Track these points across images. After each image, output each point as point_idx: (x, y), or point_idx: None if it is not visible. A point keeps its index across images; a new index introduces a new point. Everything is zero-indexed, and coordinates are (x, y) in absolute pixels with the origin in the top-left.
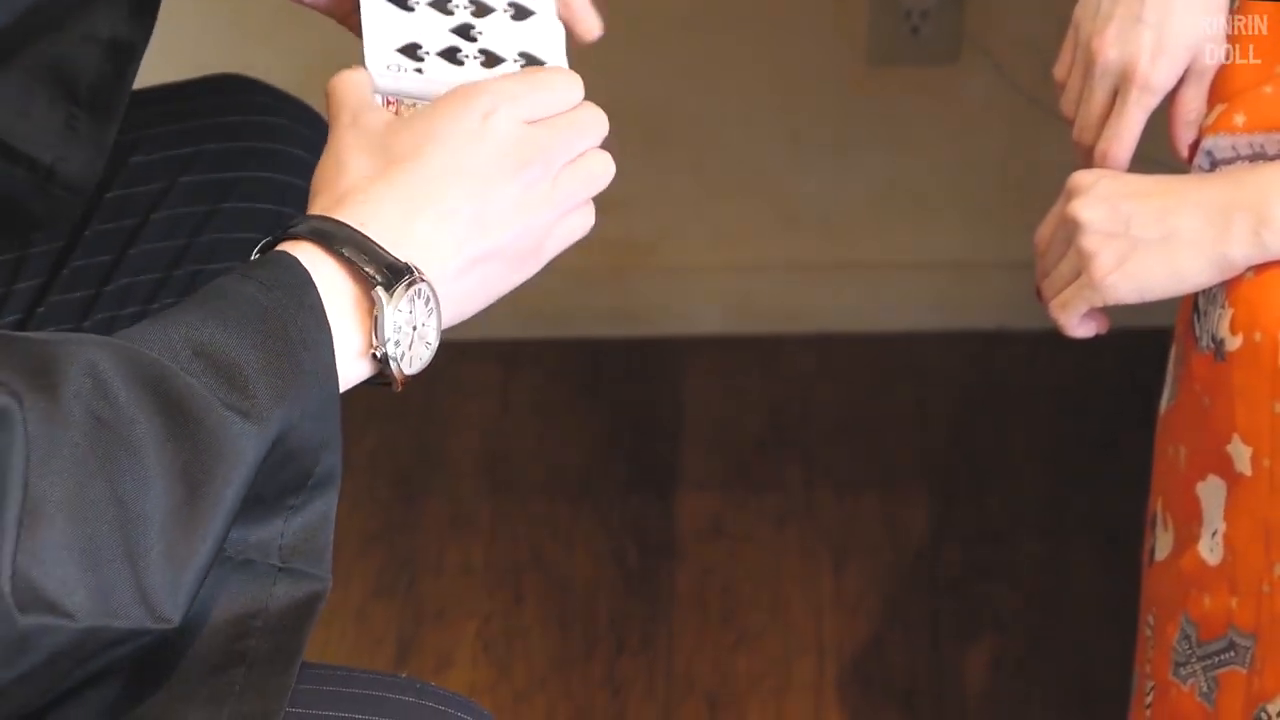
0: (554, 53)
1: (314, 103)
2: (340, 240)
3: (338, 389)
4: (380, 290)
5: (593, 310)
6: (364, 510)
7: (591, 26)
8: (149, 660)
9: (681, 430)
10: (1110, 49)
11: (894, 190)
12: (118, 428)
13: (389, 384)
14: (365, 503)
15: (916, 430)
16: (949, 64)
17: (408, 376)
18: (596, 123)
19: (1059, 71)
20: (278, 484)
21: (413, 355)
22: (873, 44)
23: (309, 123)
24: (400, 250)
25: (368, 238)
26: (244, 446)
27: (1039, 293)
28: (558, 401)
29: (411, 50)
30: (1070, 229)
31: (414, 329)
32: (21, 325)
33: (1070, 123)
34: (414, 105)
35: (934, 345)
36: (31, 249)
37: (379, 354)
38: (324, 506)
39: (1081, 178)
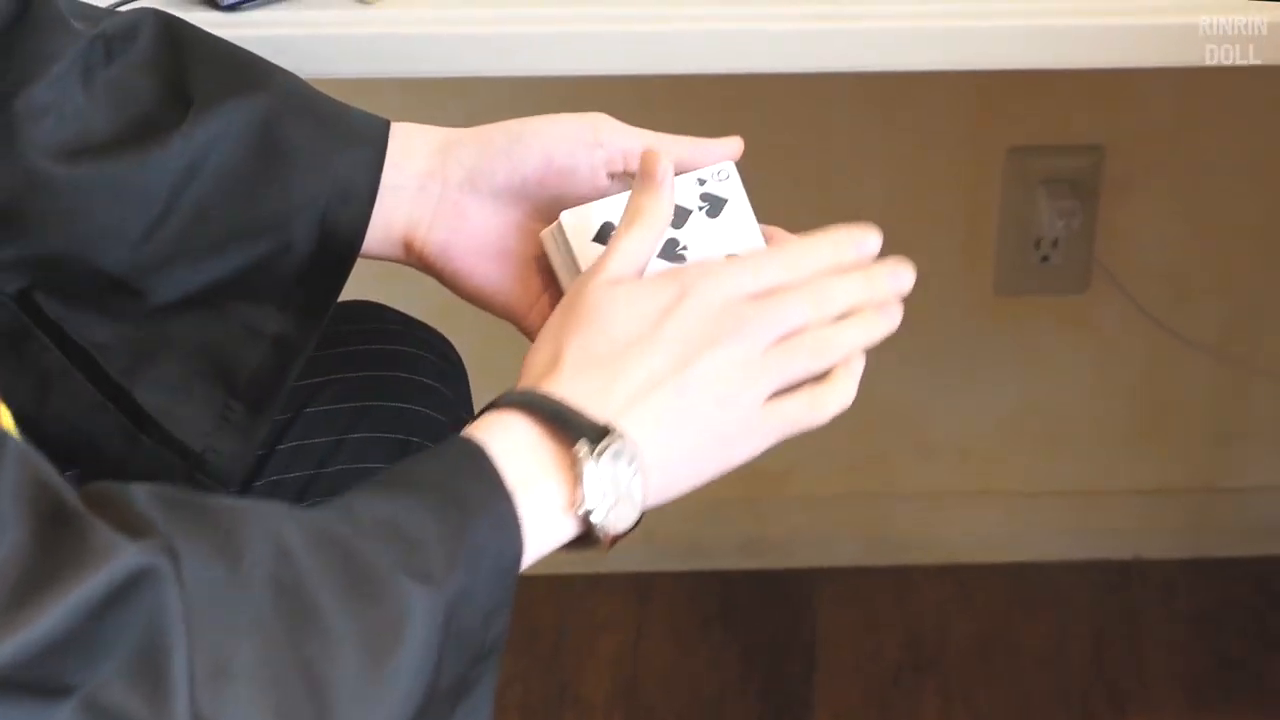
0: (754, 244)
1: (447, 329)
2: (540, 405)
3: (516, 553)
4: (582, 445)
5: (725, 541)
6: None
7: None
8: None
9: (816, 661)
10: None
11: (1026, 418)
12: (301, 594)
13: (595, 544)
14: None
15: (1055, 660)
16: (1079, 293)
17: (614, 537)
18: (813, 298)
19: None
20: (456, 659)
21: (617, 515)
22: (1001, 274)
23: (438, 350)
24: (601, 415)
25: (567, 403)
26: (422, 609)
27: None
28: (692, 633)
29: None
30: None
31: (617, 488)
32: None
33: None
34: None
35: (1070, 574)
36: None
37: (580, 512)
38: (491, 679)
39: None
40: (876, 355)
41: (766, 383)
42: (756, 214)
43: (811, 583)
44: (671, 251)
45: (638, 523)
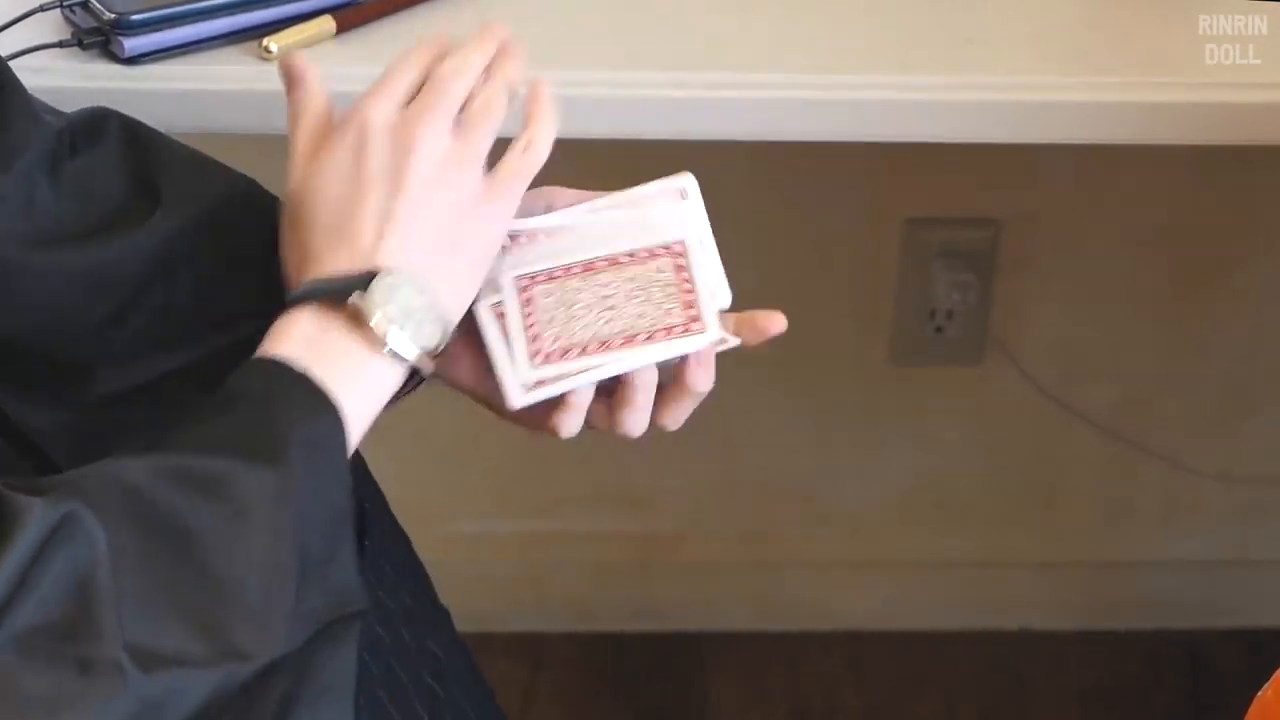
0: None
1: None
2: (306, 293)
3: (337, 429)
4: (355, 297)
5: (617, 605)
6: None
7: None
8: None
9: None
10: None
11: (919, 489)
12: (161, 516)
13: (422, 368)
14: None
15: None
16: (973, 365)
17: (432, 350)
18: (456, 69)
19: None
20: (316, 527)
21: (423, 334)
22: (897, 344)
23: None
24: (359, 266)
25: (325, 276)
26: (267, 484)
27: None
28: (581, 697)
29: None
30: None
31: (409, 312)
32: None
33: None
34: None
35: (960, 645)
36: None
37: (385, 351)
38: (349, 544)
39: None
40: (771, 423)
41: (470, 158)
42: None
43: (702, 648)
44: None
45: (447, 332)
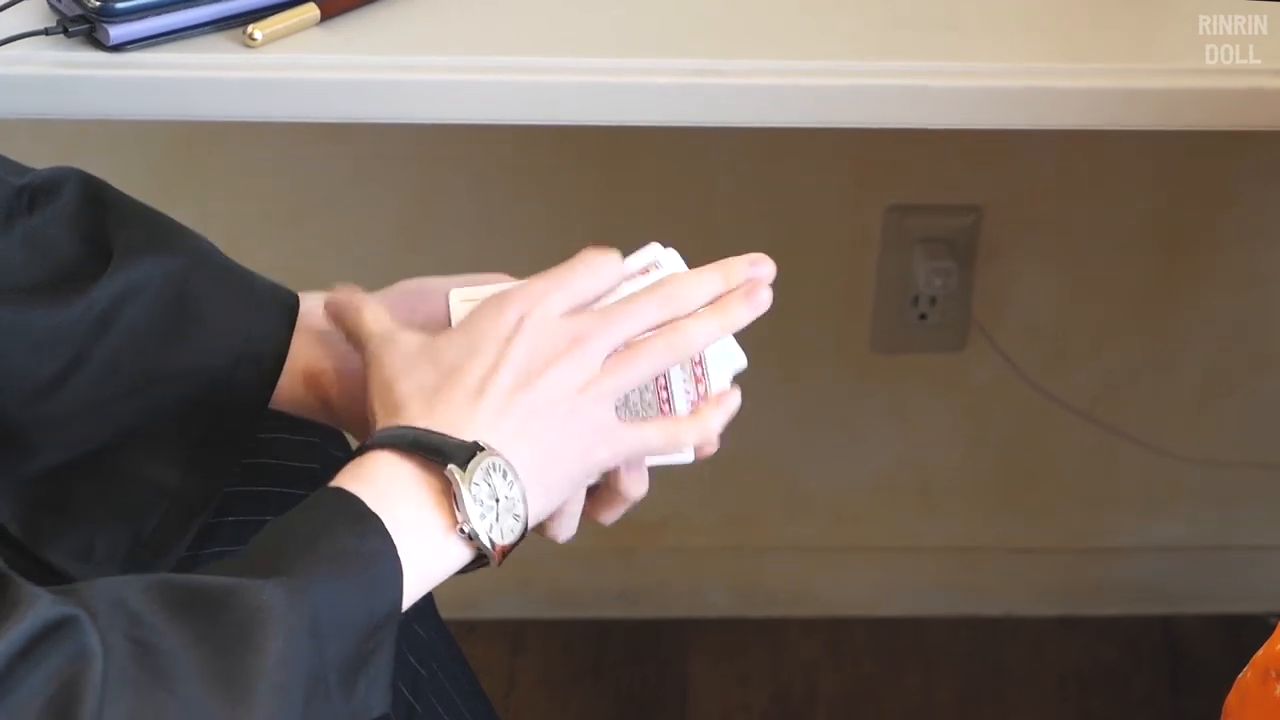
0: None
1: None
2: (403, 438)
3: (393, 563)
4: (453, 468)
5: (600, 590)
6: None
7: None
8: None
9: (686, 713)
10: None
11: (900, 475)
12: (155, 643)
13: (488, 562)
14: None
15: (923, 717)
16: (955, 351)
17: (505, 548)
18: (658, 298)
19: None
20: (341, 640)
21: (502, 528)
22: (879, 331)
23: (295, 426)
24: (467, 435)
25: (433, 430)
26: (278, 602)
27: None
28: (564, 682)
29: None
30: None
31: (497, 501)
32: None
33: None
34: None
35: (941, 630)
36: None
37: (465, 529)
38: (388, 646)
39: None
40: (752, 409)
41: (608, 390)
42: None
43: (684, 634)
44: None
45: (524, 534)
